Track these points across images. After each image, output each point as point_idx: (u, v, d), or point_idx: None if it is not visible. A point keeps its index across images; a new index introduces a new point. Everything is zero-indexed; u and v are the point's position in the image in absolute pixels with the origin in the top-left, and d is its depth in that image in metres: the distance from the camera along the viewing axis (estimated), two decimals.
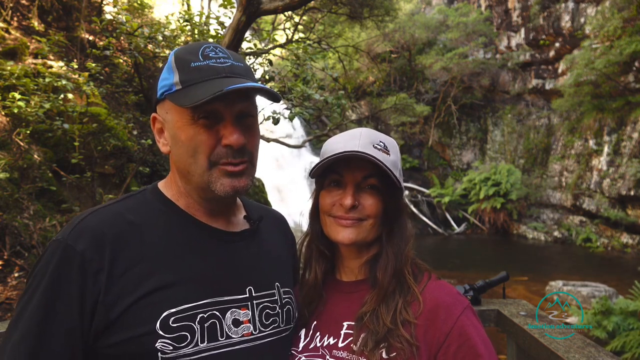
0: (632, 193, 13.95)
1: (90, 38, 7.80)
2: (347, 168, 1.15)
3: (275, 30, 10.01)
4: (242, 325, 1.03)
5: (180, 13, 6.20)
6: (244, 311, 1.05)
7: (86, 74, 5.02)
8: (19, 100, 4.52)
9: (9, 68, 5.10)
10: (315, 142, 16.28)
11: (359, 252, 1.20)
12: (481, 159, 20.47)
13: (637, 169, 13.79)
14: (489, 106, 20.91)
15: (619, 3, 14.22)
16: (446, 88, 20.42)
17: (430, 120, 20.90)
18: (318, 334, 1.16)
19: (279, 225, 1.33)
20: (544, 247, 16.06)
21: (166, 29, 5.44)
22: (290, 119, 4.93)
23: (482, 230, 18.54)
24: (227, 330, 1.00)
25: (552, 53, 18.18)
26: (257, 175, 1.18)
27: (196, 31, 5.47)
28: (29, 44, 6.62)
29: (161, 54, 5.19)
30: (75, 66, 5.54)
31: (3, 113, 5.16)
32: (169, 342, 0.91)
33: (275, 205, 12.47)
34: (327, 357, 1.10)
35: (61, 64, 5.76)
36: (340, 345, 1.10)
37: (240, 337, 1.02)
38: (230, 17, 5.41)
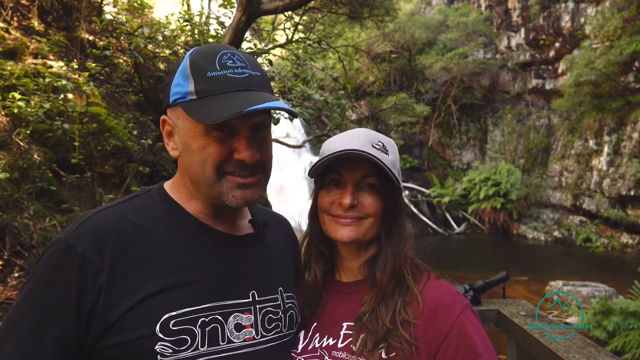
0: (632, 193, 13.95)
1: (90, 38, 7.80)
2: (346, 167, 1.15)
3: (275, 30, 10.01)
4: (244, 330, 1.02)
5: (180, 13, 6.19)
6: (247, 315, 1.04)
7: (86, 74, 5.02)
8: (19, 100, 4.52)
9: (9, 68, 5.10)
10: (315, 142, 16.29)
11: (358, 251, 1.20)
12: (481, 159, 20.47)
13: (637, 169, 13.80)
14: (489, 106, 20.91)
15: (619, 3, 14.22)
16: (446, 88, 20.43)
17: (430, 120, 20.91)
18: (317, 335, 1.16)
19: (282, 228, 1.33)
20: (544, 247, 16.06)
21: (166, 29, 5.44)
22: (290, 119, 4.93)
23: (482, 230, 18.54)
24: (228, 334, 0.99)
25: (552, 53, 18.19)
26: None
27: (196, 31, 5.47)
28: (29, 44, 6.62)
29: (161, 54, 5.18)
30: (75, 66, 5.54)
31: (3, 113, 5.16)
32: (169, 345, 0.91)
33: (275, 206, 12.47)
34: (326, 357, 1.10)
35: (61, 64, 5.76)
36: (339, 346, 1.10)
37: (242, 341, 1.01)
38: (230, 17, 5.41)
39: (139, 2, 8.16)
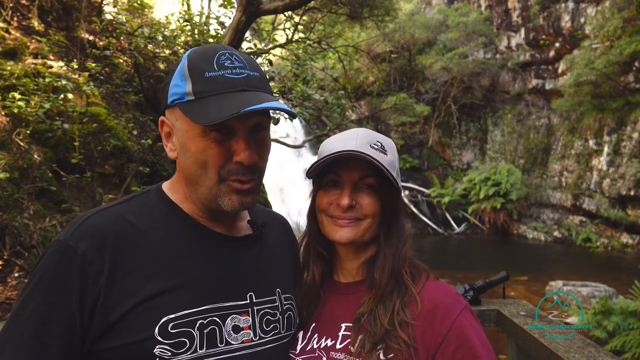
0: (632, 193, 13.95)
1: (90, 38, 7.80)
2: (344, 168, 1.15)
3: (275, 30, 10.01)
4: (242, 332, 1.02)
5: (180, 13, 6.19)
6: (245, 317, 1.04)
7: (86, 74, 5.02)
8: (19, 100, 4.52)
9: (9, 68, 5.10)
10: (315, 142, 16.28)
11: (356, 252, 1.20)
12: (481, 159, 20.47)
13: (637, 169, 13.80)
14: (489, 106, 20.91)
15: (619, 3, 14.22)
16: (446, 88, 20.43)
17: (430, 120, 20.91)
18: (315, 335, 1.16)
19: (281, 229, 1.33)
20: (544, 247, 16.06)
21: (166, 29, 5.44)
22: (291, 119, 4.93)
23: (482, 230, 18.54)
24: (226, 336, 0.99)
25: (552, 53, 18.19)
26: None
27: (196, 31, 5.47)
28: (29, 44, 6.61)
29: (161, 54, 5.18)
30: (75, 66, 5.54)
31: (3, 113, 5.16)
32: (168, 348, 0.91)
33: (275, 205, 12.48)
34: (324, 358, 1.10)
35: (61, 64, 5.75)
36: (337, 347, 1.10)
37: (240, 343, 1.01)
38: (230, 17, 5.41)
39: (139, 2, 8.17)
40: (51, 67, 6.09)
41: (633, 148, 14.40)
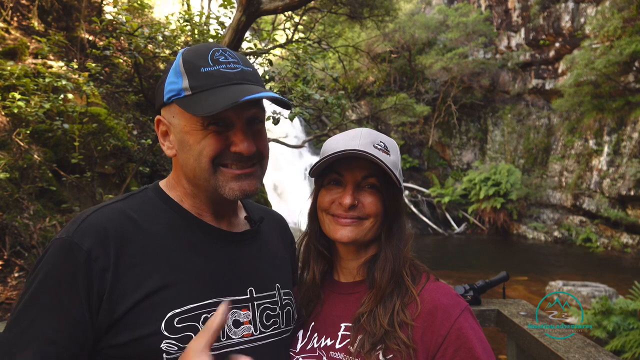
0: (632, 193, 13.95)
1: (90, 38, 7.80)
2: (347, 167, 1.15)
3: (275, 30, 10.00)
4: (242, 326, 1.03)
5: (180, 13, 6.20)
6: (245, 312, 1.04)
7: (86, 74, 5.02)
8: (19, 100, 4.52)
9: (9, 68, 5.10)
10: (315, 142, 16.29)
11: (357, 252, 1.20)
12: (481, 159, 20.47)
13: (637, 169, 13.80)
14: (489, 106, 20.91)
15: (619, 3, 14.22)
16: (446, 88, 20.43)
17: (430, 120, 20.92)
18: (315, 334, 1.16)
19: (278, 226, 1.33)
20: (544, 247, 16.06)
21: (166, 29, 5.44)
22: (290, 119, 4.93)
23: (482, 230, 18.53)
24: (227, 330, 0.99)
25: (552, 53, 18.19)
26: None
27: (196, 31, 5.47)
28: (29, 44, 6.61)
29: (161, 54, 5.18)
30: (75, 66, 5.54)
31: (3, 113, 5.17)
32: (174, 342, 0.91)
33: (275, 205, 12.47)
34: (324, 358, 1.10)
35: (61, 64, 5.75)
36: (337, 346, 1.10)
37: (241, 337, 1.01)
38: (230, 17, 5.41)
39: (139, 2, 8.16)
40: (51, 67, 6.09)
41: (633, 148, 14.40)
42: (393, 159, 1.15)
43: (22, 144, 4.96)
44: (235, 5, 5.05)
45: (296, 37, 9.99)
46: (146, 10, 8.92)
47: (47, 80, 4.65)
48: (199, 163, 0.99)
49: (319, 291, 1.23)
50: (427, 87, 21.02)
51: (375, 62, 20.02)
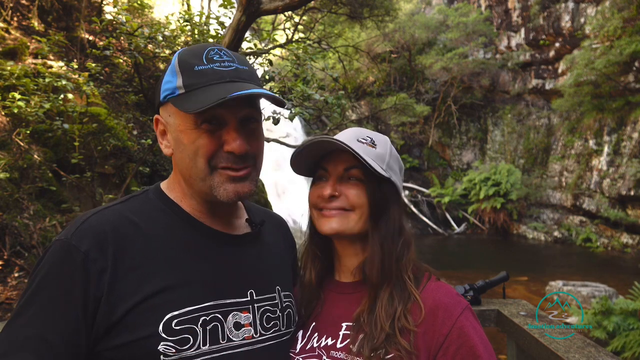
0: (632, 193, 13.95)
1: (90, 38, 7.80)
2: (330, 161, 1.17)
3: (275, 30, 10.00)
4: (243, 329, 1.03)
5: (180, 13, 6.20)
6: (245, 314, 1.04)
7: (86, 74, 5.02)
8: (19, 100, 4.52)
9: (9, 68, 5.10)
10: None
11: (351, 247, 1.20)
12: (481, 159, 20.47)
13: (637, 169, 13.80)
14: (489, 106, 20.91)
15: (619, 3, 14.22)
16: (446, 88, 20.43)
17: (430, 120, 20.91)
18: (316, 334, 1.16)
19: (279, 228, 1.33)
20: (544, 247, 16.06)
21: (166, 29, 5.44)
22: (290, 119, 4.93)
23: (482, 230, 18.53)
24: (228, 333, 0.99)
25: (552, 53, 18.18)
26: None
27: (196, 31, 5.47)
28: (29, 44, 6.62)
29: (161, 54, 5.18)
30: (75, 66, 5.54)
31: (3, 113, 5.17)
32: (172, 344, 0.91)
33: (275, 205, 12.47)
34: (324, 357, 1.10)
35: (61, 64, 5.75)
36: (338, 346, 1.10)
37: (242, 340, 1.01)
38: (230, 17, 5.41)
39: (139, 2, 8.16)
40: (51, 67, 6.09)
41: (633, 148, 14.40)
42: (379, 152, 1.16)
43: (22, 144, 4.96)
44: (235, 5, 5.05)
45: (296, 37, 9.99)
46: (146, 10, 8.92)
47: (47, 80, 4.65)
48: (195, 163, 1.00)
49: (317, 292, 1.23)
50: (427, 87, 21.02)
51: (375, 62, 20.03)
